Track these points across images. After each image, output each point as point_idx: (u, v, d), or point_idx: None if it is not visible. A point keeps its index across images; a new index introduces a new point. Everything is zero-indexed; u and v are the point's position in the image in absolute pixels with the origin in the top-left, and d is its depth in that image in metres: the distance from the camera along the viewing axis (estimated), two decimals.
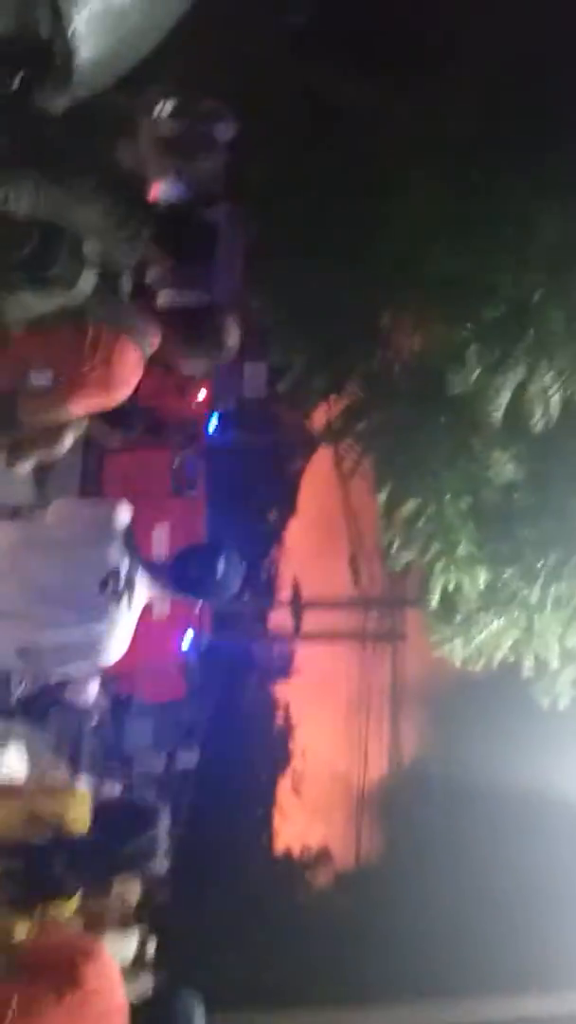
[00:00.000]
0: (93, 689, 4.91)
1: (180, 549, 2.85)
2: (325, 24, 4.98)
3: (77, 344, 2.87)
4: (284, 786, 22.47)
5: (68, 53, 0.84)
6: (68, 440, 4.08)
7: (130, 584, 2.62)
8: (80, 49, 0.84)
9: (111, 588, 2.58)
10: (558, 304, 3.19)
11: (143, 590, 2.69)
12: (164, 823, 2.98)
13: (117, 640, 2.63)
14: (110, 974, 2.51)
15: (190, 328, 3.04)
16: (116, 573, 2.60)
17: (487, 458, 3.94)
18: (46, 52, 0.86)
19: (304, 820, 21.77)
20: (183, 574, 2.72)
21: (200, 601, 2.81)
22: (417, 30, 4.34)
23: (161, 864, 3.70)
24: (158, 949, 7.09)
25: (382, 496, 4.46)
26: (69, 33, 0.80)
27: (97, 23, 0.80)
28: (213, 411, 13.06)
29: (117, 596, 2.58)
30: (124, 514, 2.77)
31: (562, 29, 3.49)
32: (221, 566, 2.68)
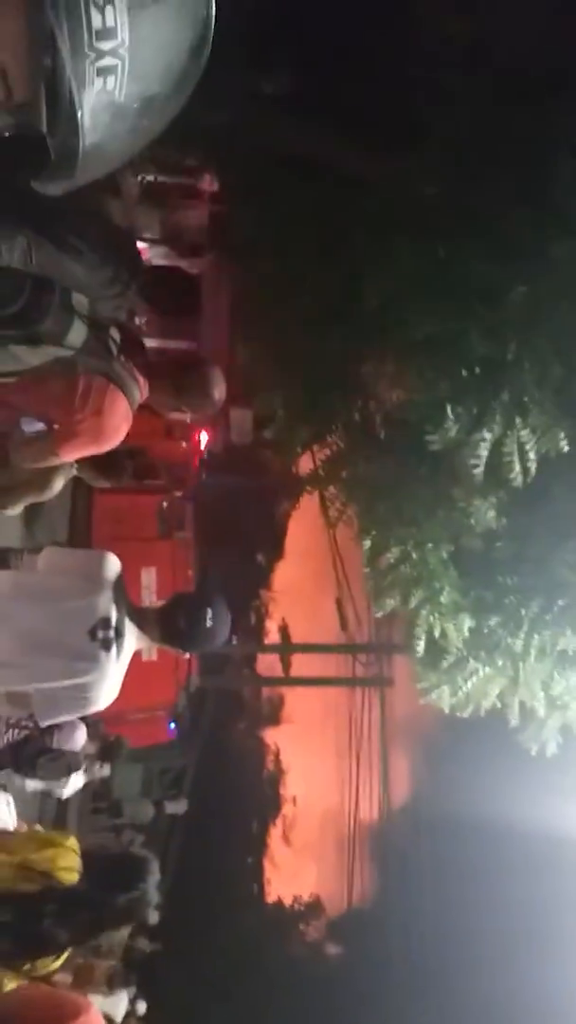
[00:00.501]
0: (81, 735, 4.90)
1: (168, 599, 2.88)
2: (306, 91, 5.18)
3: (68, 395, 2.94)
4: (275, 834, 22.14)
5: (75, 146, 0.91)
6: (58, 484, 4.14)
7: (119, 633, 2.66)
8: (86, 141, 0.91)
9: (101, 637, 2.61)
10: (530, 365, 3.30)
11: (132, 639, 2.72)
12: (155, 875, 2.98)
13: (106, 689, 2.65)
14: None
15: (177, 379, 3.11)
16: (106, 622, 2.64)
17: (468, 507, 4.01)
18: (48, 143, 0.93)
19: (295, 869, 21.40)
20: (171, 625, 2.75)
21: (187, 652, 2.81)
22: (395, 97, 4.53)
23: (152, 915, 3.67)
24: (149, 1006, 6.95)
25: (366, 544, 4.52)
26: (79, 124, 0.87)
27: (100, 117, 0.88)
28: (203, 455, 13.19)
29: (107, 645, 2.62)
30: (114, 564, 2.81)
31: (527, 104, 3.66)
32: (208, 618, 2.71)
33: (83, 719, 4.79)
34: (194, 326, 12.78)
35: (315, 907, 20.10)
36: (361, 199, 4.65)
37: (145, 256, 12.46)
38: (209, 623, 2.70)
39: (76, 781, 5.48)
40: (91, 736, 6.68)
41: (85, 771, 5.85)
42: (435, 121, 4.20)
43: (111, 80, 0.88)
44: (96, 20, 0.85)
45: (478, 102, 4.03)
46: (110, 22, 0.86)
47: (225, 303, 11.69)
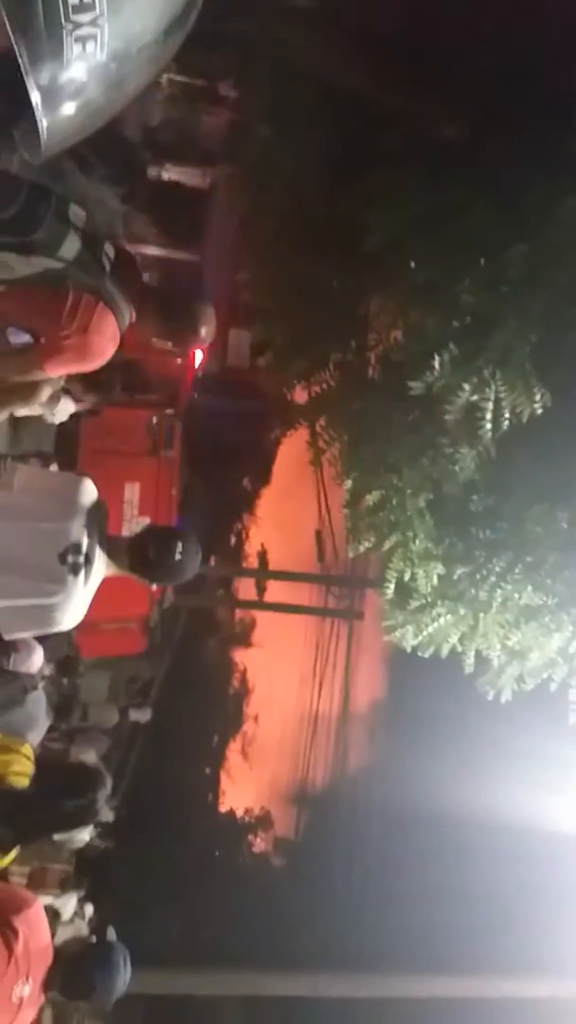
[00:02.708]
0: (38, 658, 4.98)
1: (140, 530, 2.91)
2: (337, 9, 4.96)
3: (56, 309, 2.89)
4: (234, 748, 22.82)
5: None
6: (44, 395, 4.11)
7: (89, 560, 2.69)
8: (71, 98, 0.91)
9: (70, 561, 2.64)
10: (516, 322, 3.28)
11: (101, 566, 2.76)
12: (105, 787, 3.08)
13: (71, 611, 2.70)
14: (37, 922, 2.65)
15: (167, 311, 3.06)
16: (77, 547, 2.66)
17: (455, 452, 4.02)
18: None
19: (250, 783, 22.13)
20: (140, 556, 2.78)
21: (154, 583, 2.85)
22: (429, 30, 4.35)
23: (105, 813, 3.80)
24: (96, 902, 7.29)
25: (347, 484, 4.55)
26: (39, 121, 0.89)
27: (84, 75, 0.88)
28: (196, 373, 13.03)
29: (75, 569, 2.65)
30: (90, 489, 2.82)
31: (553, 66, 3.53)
32: (178, 552, 2.73)
33: (42, 639, 4.86)
34: (200, 239, 12.50)
35: (265, 820, 20.88)
36: (380, 131, 4.51)
37: (154, 168, 12.09)
38: (178, 556, 2.73)
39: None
40: (55, 648, 6.81)
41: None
42: (465, 61, 4.05)
43: (91, 45, 0.88)
44: None
45: (511, 49, 3.89)
46: None
47: (235, 219, 11.41)
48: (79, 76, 0.92)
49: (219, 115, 12.54)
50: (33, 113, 0.97)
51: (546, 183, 3.29)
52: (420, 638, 4.77)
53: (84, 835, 3.89)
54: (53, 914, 5.33)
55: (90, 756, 6.94)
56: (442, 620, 4.52)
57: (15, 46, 0.90)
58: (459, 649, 4.75)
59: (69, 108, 0.96)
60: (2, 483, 2.75)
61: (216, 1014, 14.60)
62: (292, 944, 13.75)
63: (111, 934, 2.92)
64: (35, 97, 0.94)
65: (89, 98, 0.95)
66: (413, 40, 4.38)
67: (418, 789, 12.53)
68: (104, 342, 2.97)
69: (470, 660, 4.59)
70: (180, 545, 2.73)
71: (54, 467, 7.39)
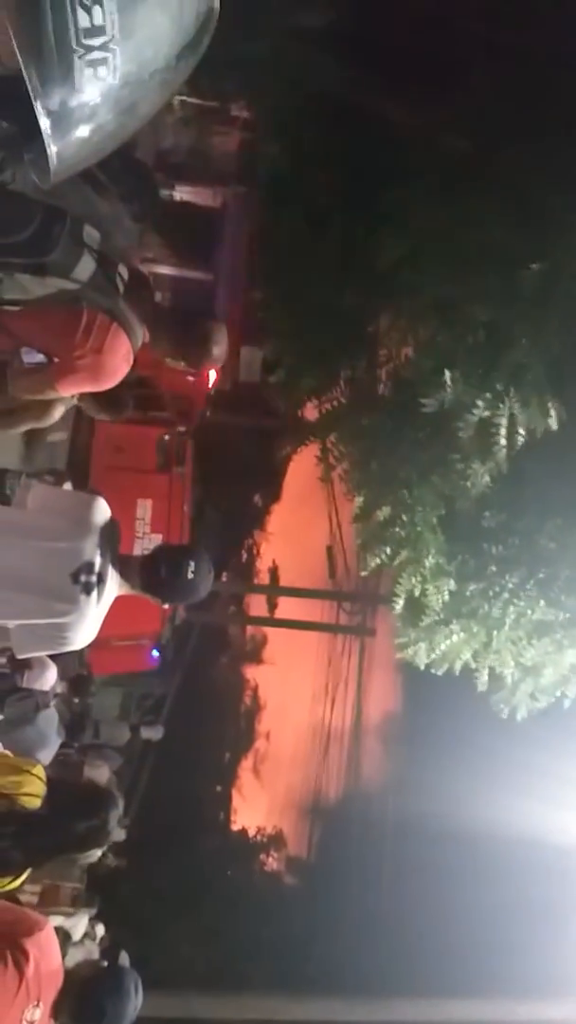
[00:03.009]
0: (52, 675, 4.98)
1: (152, 549, 2.89)
2: (347, 29, 5.00)
3: (70, 329, 2.89)
4: (246, 766, 22.70)
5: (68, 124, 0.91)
6: (57, 413, 4.12)
7: (101, 579, 2.68)
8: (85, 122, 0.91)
9: (83, 580, 2.63)
10: (530, 339, 3.27)
11: (114, 585, 2.75)
12: (117, 808, 3.06)
13: (84, 630, 2.69)
14: (48, 945, 2.62)
15: (180, 331, 3.07)
16: (90, 566, 2.65)
17: (466, 468, 4.01)
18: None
19: (262, 801, 21.99)
20: (152, 575, 2.77)
21: (166, 603, 2.83)
22: (439, 46, 4.38)
23: (118, 833, 3.77)
24: (107, 922, 7.24)
25: (358, 500, 4.54)
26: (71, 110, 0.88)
27: (97, 98, 0.87)
28: (209, 391, 13.08)
29: (88, 589, 2.64)
30: (103, 509, 2.81)
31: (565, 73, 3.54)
32: (190, 571, 2.72)
33: (54, 657, 4.86)
34: (212, 258, 12.58)
35: (277, 839, 20.72)
36: (391, 148, 4.54)
37: (167, 189, 12.19)
38: (190, 576, 2.72)
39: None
40: (67, 666, 6.80)
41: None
42: (476, 75, 4.07)
43: (102, 70, 0.87)
44: (83, 20, 0.85)
45: (523, 61, 3.90)
46: (98, 20, 0.85)
47: (247, 237, 11.48)
48: (90, 101, 0.91)
49: (231, 135, 12.66)
50: (42, 138, 0.97)
51: (560, 196, 3.28)
52: (433, 656, 4.74)
53: (97, 852, 3.88)
54: (64, 935, 5.28)
55: (103, 773, 6.90)
56: (455, 637, 4.50)
57: (24, 70, 0.89)
58: (472, 666, 4.73)
59: (80, 133, 0.95)
60: (17, 501, 2.75)
61: None
62: (305, 966, 13.61)
63: (123, 959, 2.89)
64: (44, 123, 0.93)
65: (100, 123, 0.94)
66: (424, 55, 4.40)
67: (432, 807, 12.41)
68: (117, 362, 2.98)
69: (484, 678, 4.56)
70: (192, 564, 2.71)
71: (68, 485, 7.39)
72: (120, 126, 1.00)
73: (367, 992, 10.36)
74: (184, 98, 11.66)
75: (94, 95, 0.92)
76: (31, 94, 0.92)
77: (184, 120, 11.84)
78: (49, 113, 0.92)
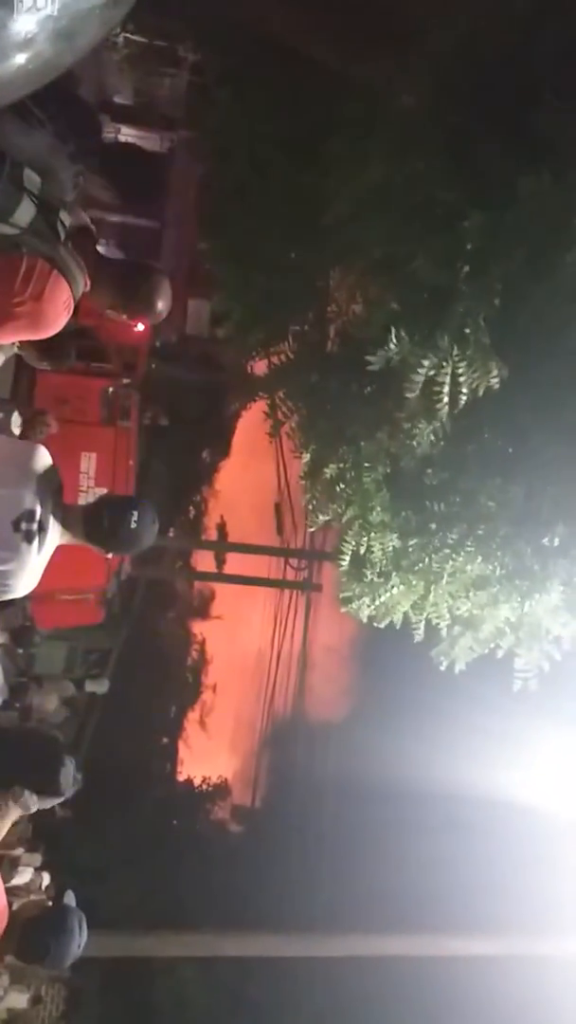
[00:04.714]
0: None
1: (96, 499, 2.89)
2: None
3: (9, 276, 2.83)
4: (192, 718, 22.93)
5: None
6: None
7: (42, 527, 2.67)
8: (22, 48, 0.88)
9: (24, 528, 2.62)
10: (474, 297, 3.29)
11: (55, 535, 2.74)
12: (66, 768, 3.06)
13: (24, 579, 2.68)
14: None
15: (122, 283, 3.02)
16: (31, 514, 2.64)
17: (412, 428, 4.05)
18: None
19: (208, 752, 22.29)
20: (95, 525, 2.77)
21: (109, 553, 2.82)
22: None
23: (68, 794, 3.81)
24: (53, 872, 7.30)
25: (305, 456, 4.57)
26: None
27: (34, 29, 0.85)
28: (154, 341, 12.85)
29: (29, 537, 2.62)
30: (45, 458, 2.79)
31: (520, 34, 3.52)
32: (133, 521, 2.72)
33: None
34: (159, 205, 12.27)
35: (222, 789, 21.08)
36: (341, 100, 4.47)
37: (111, 131, 11.81)
38: (133, 525, 2.72)
39: None
40: (10, 618, 6.75)
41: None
42: (426, 30, 4.02)
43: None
44: None
45: (476, 18, 3.86)
46: None
47: (194, 186, 11.21)
48: (27, 28, 0.89)
49: (179, 78, 12.26)
50: None
51: (507, 157, 3.29)
52: (373, 608, 4.84)
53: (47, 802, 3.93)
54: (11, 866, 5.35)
55: (52, 702, 6.78)
56: (395, 590, 4.59)
57: None
58: (412, 619, 4.83)
59: (16, 60, 0.93)
60: None
61: (174, 976, 14.82)
62: (249, 908, 13.97)
63: (69, 898, 2.94)
64: None
65: (37, 50, 0.93)
66: (376, 8, 4.33)
67: (373, 759, 12.76)
68: (57, 310, 2.92)
69: (420, 629, 4.68)
70: (135, 514, 2.72)
71: (15, 417, 7.23)
72: (57, 55, 0.98)
73: (307, 929, 10.71)
74: (128, 36, 11.23)
75: (31, 23, 0.90)
76: None
77: (129, 59, 11.44)
78: None
